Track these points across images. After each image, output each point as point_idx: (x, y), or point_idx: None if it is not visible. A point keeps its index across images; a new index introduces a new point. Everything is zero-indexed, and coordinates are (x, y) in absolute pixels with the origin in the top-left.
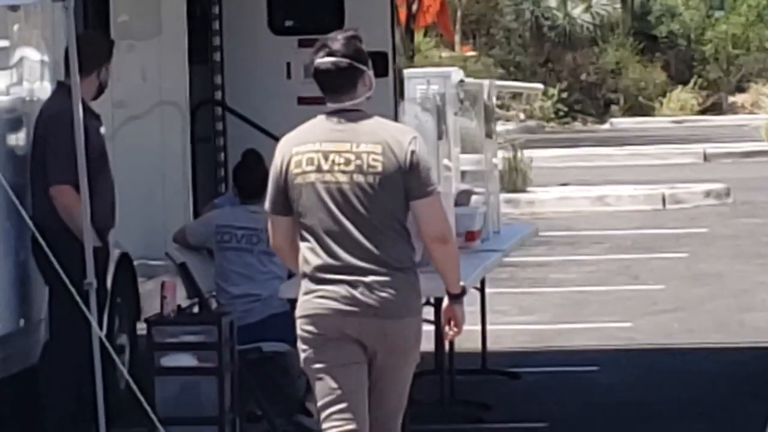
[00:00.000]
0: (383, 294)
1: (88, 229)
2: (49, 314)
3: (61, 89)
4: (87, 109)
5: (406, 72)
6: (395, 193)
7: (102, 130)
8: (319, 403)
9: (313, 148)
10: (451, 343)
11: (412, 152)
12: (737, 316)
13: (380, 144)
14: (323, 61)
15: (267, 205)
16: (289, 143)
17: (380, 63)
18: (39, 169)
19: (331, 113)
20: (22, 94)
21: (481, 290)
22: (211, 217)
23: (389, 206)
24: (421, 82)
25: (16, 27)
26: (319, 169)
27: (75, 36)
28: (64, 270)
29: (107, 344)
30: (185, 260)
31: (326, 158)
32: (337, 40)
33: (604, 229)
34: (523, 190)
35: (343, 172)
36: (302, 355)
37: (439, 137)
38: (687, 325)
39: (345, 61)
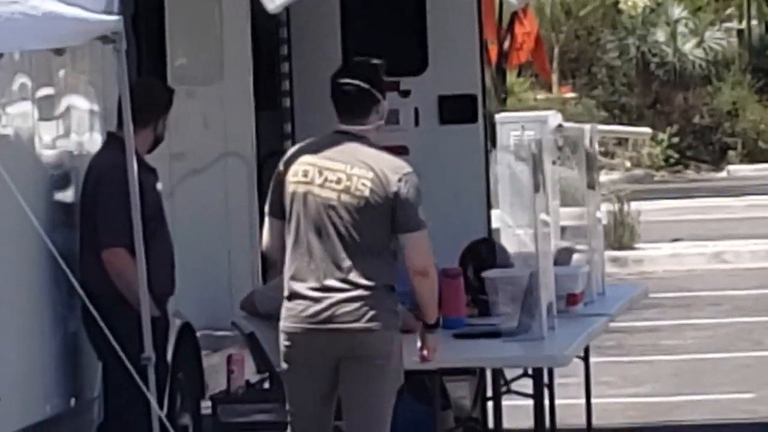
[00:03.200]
0: (351, 308)
1: (145, 298)
2: (103, 393)
3: (112, 142)
4: (142, 164)
5: (498, 117)
6: (377, 220)
7: (158, 186)
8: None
9: (311, 161)
10: (553, 420)
11: (401, 187)
12: None
13: (372, 171)
14: (344, 80)
15: (266, 207)
16: (294, 152)
17: (469, 107)
18: (89, 230)
19: (337, 133)
20: (70, 148)
21: (585, 359)
22: (282, 282)
23: (368, 230)
24: (514, 127)
25: (61, 73)
26: (311, 182)
27: (128, 83)
28: (120, 343)
29: (168, 425)
30: (254, 330)
31: (320, 173)
32: (360, 63)
33: (722, 289)
34: (631, 247)
35: (333, 189)
36: (282, 366)
37: (536, 189)
38: None
39: (365, 85)
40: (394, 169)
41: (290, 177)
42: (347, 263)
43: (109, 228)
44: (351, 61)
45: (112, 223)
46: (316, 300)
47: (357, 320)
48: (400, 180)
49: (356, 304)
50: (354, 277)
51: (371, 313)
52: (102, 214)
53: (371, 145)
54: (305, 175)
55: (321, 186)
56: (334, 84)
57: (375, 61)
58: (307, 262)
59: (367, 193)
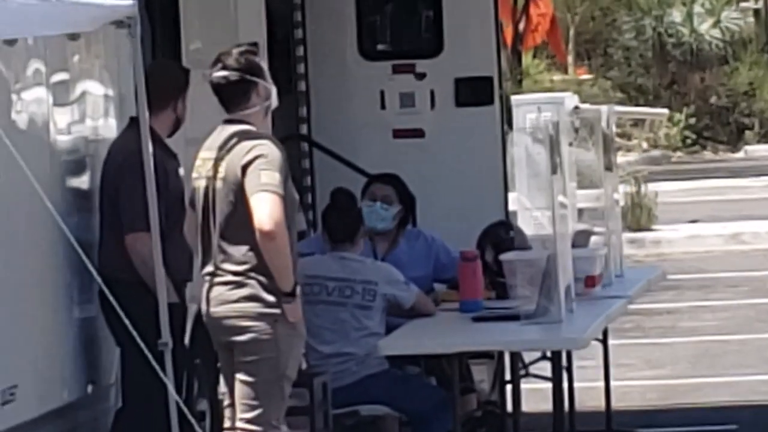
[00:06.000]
0: (220, 293)
1: (162, 283)
2: (120, 378)
3: (134, 126)
4: (164, 148)
5: (514, 99)
6: (238, 199)
7: (181, 171)
8: None
9: (203, 155)
10: (572, 402)
11: (248, 159)
12: None
13: (229, 154)
14: (215, 75)
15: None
16: (201, 147)
17: (485, 89)
18: (110, 216)
19: (224, 122)
20: (85, 133)
21: (604, 342)
22: (299, 266)
23: (232, 211)
24: (531, 109)
25: (76, 58)
26: (200, 175)
27: (143, 66)
28: (137, 328)
29: (186, 410)
30: None
31: (205, 165)
32: (230, 54)
33: (740, 270)
34: (649, 229)
35: (208, 177)
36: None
37: (553, 171)
38: None
39: (236, 74)
40: (246, 147)
41: (193, 174)
42: (221, 249)
43: (134, 213)
44: (221, 52)
45: (137, 208)
46: (211, 285)
47: (226, 304)
48: (247, 153)
49: (232, 290)
50: (227, 263)
51: (238, 296)
52: (126, 199)
53: (250, 128)
54: (199, 168)
55: (204, 177)
56: (209, 82)
57: (244, 46)
58: (203, 252)
59: (223, 173)
